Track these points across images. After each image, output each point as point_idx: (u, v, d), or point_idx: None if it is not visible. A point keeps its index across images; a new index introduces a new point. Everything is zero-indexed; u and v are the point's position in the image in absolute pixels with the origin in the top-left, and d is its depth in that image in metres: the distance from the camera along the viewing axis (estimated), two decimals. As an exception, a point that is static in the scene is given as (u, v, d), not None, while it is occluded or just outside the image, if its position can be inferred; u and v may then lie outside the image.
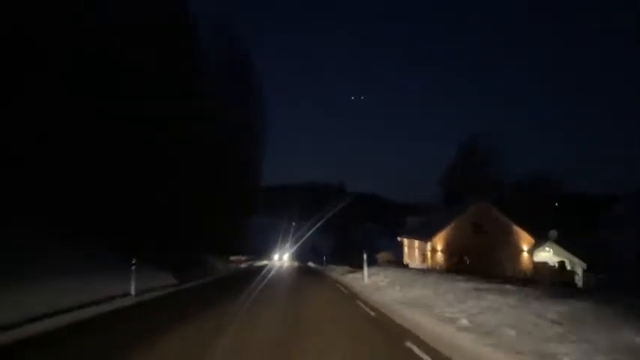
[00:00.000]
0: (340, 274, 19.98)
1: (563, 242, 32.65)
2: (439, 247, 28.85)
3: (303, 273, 22.15)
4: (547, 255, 31.18)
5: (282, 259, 52.89)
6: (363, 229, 78.85)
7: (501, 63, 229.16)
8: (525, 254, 28.90)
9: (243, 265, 33.79)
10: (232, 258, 43.57)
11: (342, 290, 12.83)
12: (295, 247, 57.30)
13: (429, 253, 29.24)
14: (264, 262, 45.52)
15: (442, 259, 28.62)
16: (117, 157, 13.95)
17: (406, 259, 35.62)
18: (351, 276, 17.53)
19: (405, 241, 36.68)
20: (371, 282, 13.73)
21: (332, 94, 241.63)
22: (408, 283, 11.99)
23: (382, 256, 41.11)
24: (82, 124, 12.50)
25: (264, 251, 56.64)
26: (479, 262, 26.14)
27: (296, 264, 43.93)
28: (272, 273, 22.44)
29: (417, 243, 32.53)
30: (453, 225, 29.05)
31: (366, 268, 14.74)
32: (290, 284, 15.24)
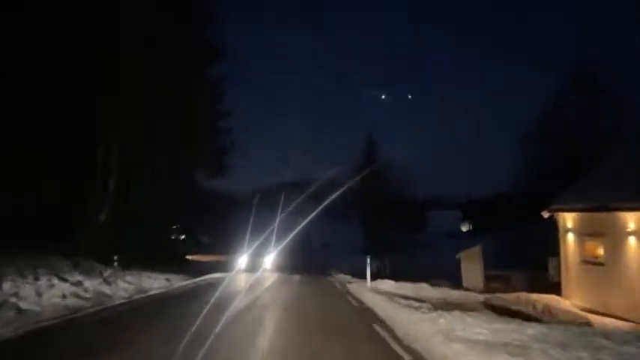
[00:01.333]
0: None
1: None
2: None
3: None
4: None
5: (257, 265, 21.23)
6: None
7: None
8: None
9: (154, 290, 12.36)
10: (191, 257, 30.61)
11: None
12: (291, 243, 37.02)
13: None
14: (220, 273, 18.53)
15: None
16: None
17: (572, 261, 15.18)
18: None
19: (570, 220, 15.58)
20: None
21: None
22: None
23: (469, 257, 22.01)
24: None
25: (242, 252, 36.15)
26: None
27: (297, 278, 20.63)
28: None
29: (631, 221, 12.76)
30: None
31: None
32: None
